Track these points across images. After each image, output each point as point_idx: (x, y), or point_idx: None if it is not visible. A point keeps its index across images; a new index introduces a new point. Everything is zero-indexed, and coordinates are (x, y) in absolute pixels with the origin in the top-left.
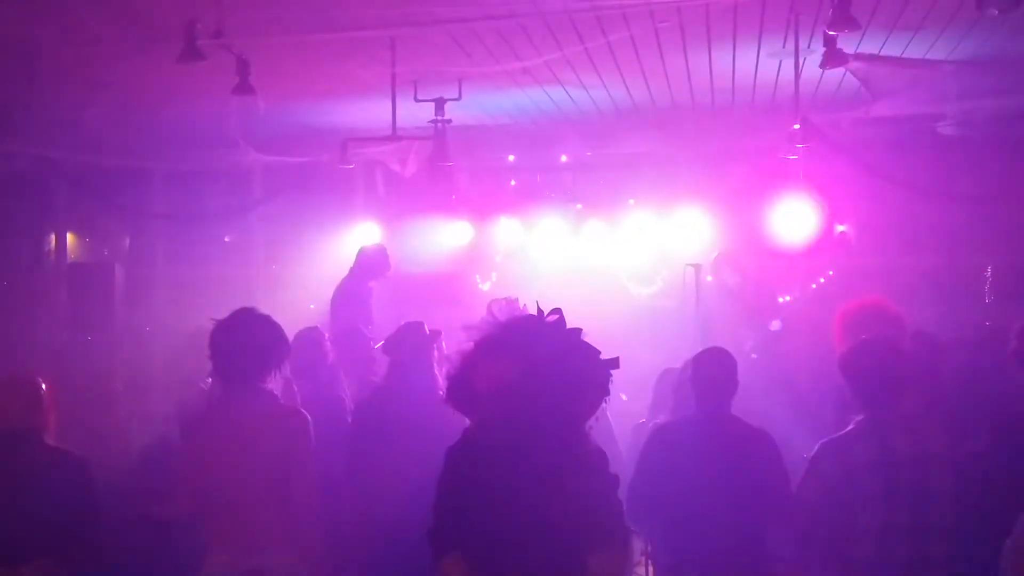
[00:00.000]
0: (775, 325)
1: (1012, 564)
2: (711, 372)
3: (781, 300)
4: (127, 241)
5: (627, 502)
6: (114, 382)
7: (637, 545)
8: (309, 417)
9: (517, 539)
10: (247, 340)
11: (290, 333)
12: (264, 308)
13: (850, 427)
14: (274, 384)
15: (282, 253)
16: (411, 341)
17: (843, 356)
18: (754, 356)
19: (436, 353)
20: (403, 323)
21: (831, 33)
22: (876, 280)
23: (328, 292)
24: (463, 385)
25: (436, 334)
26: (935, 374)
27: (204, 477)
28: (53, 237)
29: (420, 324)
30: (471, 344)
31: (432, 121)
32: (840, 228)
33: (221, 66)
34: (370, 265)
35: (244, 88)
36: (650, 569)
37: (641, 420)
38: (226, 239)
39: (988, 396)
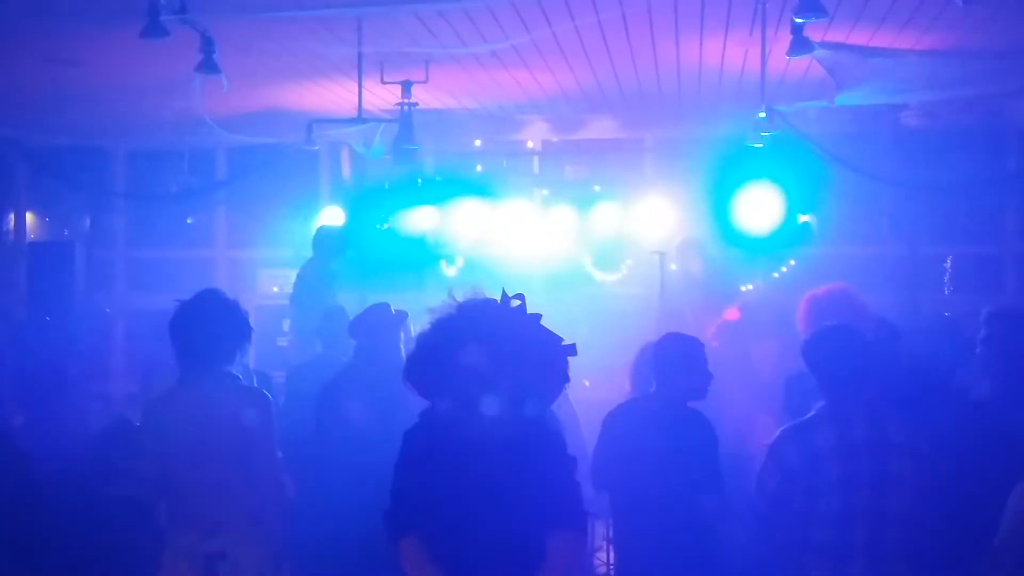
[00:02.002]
0: (731, 314)
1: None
2: (667, 355)
3: (744, 288)
4: (88, 221)
5: (591, 479)
6: (72, 363)
7: (599, 529)
8: (271, 398)
9: (474, 522)
10: (209, 323)
11: (253, 316)
12: (227, 291)
13: (811, 413)
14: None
15: (246, 235)
16: (377, 322)
17: (806, 343)
18: (715, 344)
19: (403, 335)
20: (370, 304)
21: (798, 21)
22: (837, 269)
23: (292, 275)
24: (421, 366)
25: (403, 315)
26: (895, 361)
27: (165, 460)
28: (13, 216)
29: (386, 305)
30: (430, 326)
31: (399, 104)
32: (803, 218)
33: (185, 43)
34: (330, 245)
35: (208, 66)
36: (611, 554)
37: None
38: (189, 221)
39: (948, 384)
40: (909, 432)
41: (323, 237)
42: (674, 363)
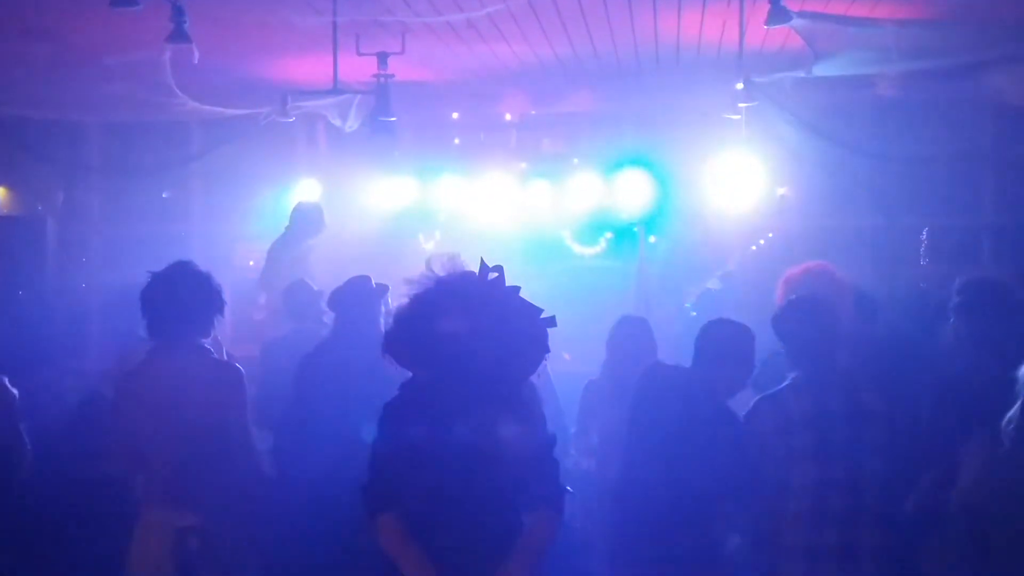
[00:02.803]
0: (713, 283)
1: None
2: (713, 340)
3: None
4: (61, 196)
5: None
6: (46, 338)
7: (576, 501)
8: (243, 371)
9: (452, 497)
10: (180, 295)
11: (229, 291)
12: (203, 265)
13: (785, 383)
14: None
15: (221, 210)
16: (357, 296)
17: (775, 316)
18: (694, 314)
19: (383, 308)
20: (350, 278)
21: None
22: (815, 241)
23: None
24: (400, 338)
25: (383, 289)
26: (872, 332)
27: (137, 434)
28: None
29: (367, 279)
30: (409, 298)
31: (375, 75)
32: (781, 191)
33: (156, 13)
34: (306, 223)
35: (179, 36)
36: (588, 526)
37: (593, 378)
38: (164, 195)
39: (922, 354)
40: (884, 401)
41: (301, 213)
42: (719, 350)
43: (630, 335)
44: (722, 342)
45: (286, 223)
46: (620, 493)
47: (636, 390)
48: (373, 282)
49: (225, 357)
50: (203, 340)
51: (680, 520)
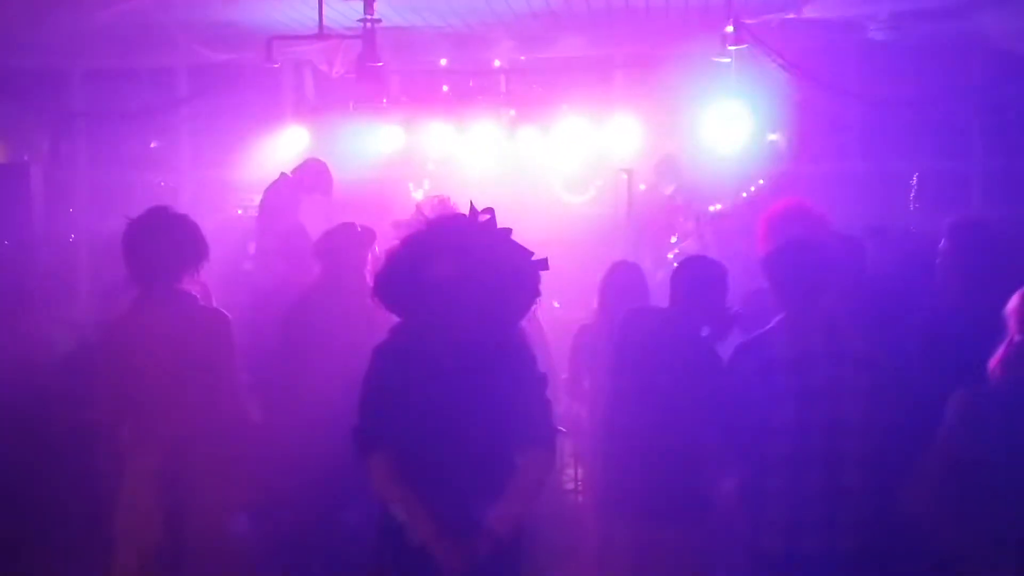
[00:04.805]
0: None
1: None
2: (687, 276)
3: (712, 208)
4: (46, 144)
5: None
6: (32, 287)
7: (567, 445)
8: (231, 317)
9: (444, 438)
10: (160, 239)
11: (217, 238)
12: (191, 213)
13: (769, 325)
14: (192, 286)
15: (209, 158)
16: (344, 242)
17: (767, 256)
18: (676, 265)
19: (370, 255)
20: (336, 224)
21: None
22: (806, 186)
23: (256, 197)
24: (390, 282)
25: (371, 234)
26: (858, 275)
27: (124, 382)
28: None
29: (353, 225)
30: (399, 241)
31: (361, 20)
32: (772, 136)
33: None
34: (312, 180)
35: None
36: (579, 470)
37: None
38: (152, 145)
39: (910, 297)
40: (867, 344)
41: (308, 167)
42: (692, 284)
43: (623, 281)
44: (695, 277)
45: (283, 170)
46: (607, 436)
47: (618, 334)
48: (359, 227)
49: (213, 304)
50: (188, 286)
51: (668, 463)
